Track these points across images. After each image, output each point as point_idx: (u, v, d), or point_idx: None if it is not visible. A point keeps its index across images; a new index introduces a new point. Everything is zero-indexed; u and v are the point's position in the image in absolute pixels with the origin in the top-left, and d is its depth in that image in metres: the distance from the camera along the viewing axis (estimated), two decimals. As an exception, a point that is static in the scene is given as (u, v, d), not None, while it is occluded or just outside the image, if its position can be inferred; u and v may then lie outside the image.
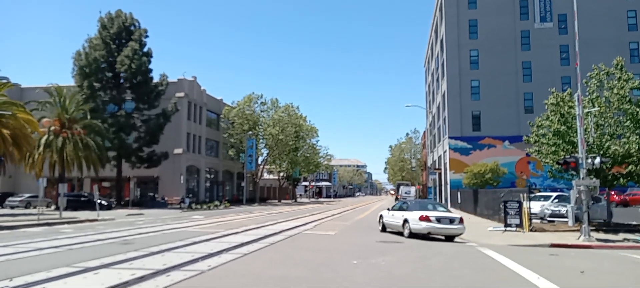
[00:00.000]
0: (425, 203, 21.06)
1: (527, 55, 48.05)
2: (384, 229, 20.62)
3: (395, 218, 19.42)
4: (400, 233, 18.56)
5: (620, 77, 19.90)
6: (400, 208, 19.52)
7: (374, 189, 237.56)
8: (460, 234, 17.74)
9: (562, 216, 21.56)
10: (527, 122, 24.66)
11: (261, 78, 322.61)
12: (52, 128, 36.57)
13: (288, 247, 14.85)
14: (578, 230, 17.37)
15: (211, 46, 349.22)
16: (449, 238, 17.63)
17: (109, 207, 38.48)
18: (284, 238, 17.23)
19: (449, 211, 19.97)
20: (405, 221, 18.06)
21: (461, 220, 17.77)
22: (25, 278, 9.10)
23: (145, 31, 46.55)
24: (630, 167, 19.51)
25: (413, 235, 17.58)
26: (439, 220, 17.23)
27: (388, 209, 21.09)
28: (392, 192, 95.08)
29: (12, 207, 39.95)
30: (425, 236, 17.37)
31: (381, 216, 21.32)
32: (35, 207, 36.61)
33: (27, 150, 32.01)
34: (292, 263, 11.53)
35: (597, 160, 17.29)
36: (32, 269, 10.02)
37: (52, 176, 37.67)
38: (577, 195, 16.73)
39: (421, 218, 17.32)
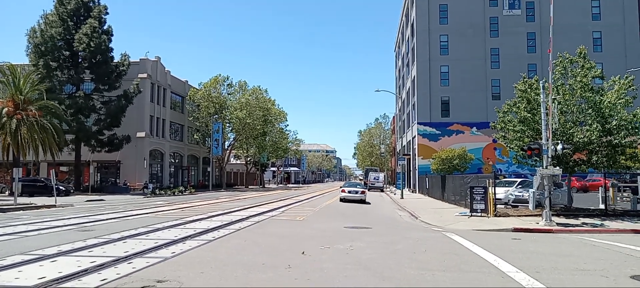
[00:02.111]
0: (353, 183, 40.14)
1: (495, 42, 48.87)
2: (341, 200, 32.15)
3: (342, 192, 32.85)
4: (342, 200, 32.01)
5: (583, 66, 20.33)
6: (344, 186, 34.59)
7: (343, 175, 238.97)
8: (362, 200, 31.69)
9: (526, 201, 22.07)
10: (494, 108, 24.98)
11: (228, 60, 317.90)
12: (5, 109, 34.63)
13: (255, 233, 14.57)
14: (540, 215, 17.78)
15: (175, 26, 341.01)
16: (358, 201, 31.41)
17: (67, 193, 37.11)
18: (251, 225, 16.93)
19: (358, 188, 33.21)
20: (342, 191, 32.65)
21: (363, 193, 32.35)
22: (-24, 266, 8.59)
23: (105, 8, 44.61)
24: (591, 155, 20.07)
25: (342, 199, 32.00)
26: (350, 192, 32.15)
27: (341, 188, 34.83)
28: (361, 178, 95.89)
29: (-38, 192, 37.99)
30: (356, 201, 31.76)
31: (341, 192, 33.11)
32: (-12, 192, 34.91)
33: (-22, 132, 30.33)
34: (259, 249, 11.28)
35: (559, 147, 17.66)
36: (-18, 257, 9.48)
37: (5, 160, 35.89)
38: (540, 181, 17.09)
39: (342, 191, 32.80)
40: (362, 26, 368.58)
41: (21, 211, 22.97)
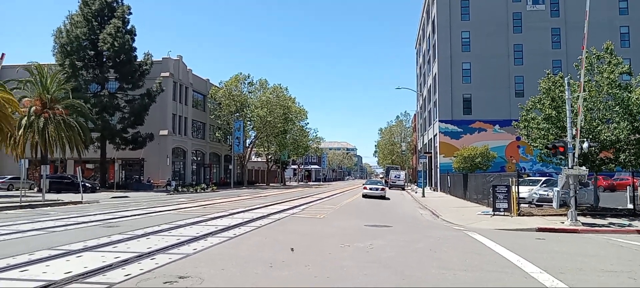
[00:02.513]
0: (374, 181, 42.46)
1: (518, 38, 47.99)
2: (363, 196, 34.95)
3: (364, 189, 35.96)
4: (364, 196, 34.81)
5: (610, 61, 19.79)
6: (366, 184, 37.88)
7: (364, 173, 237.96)
8: (382, 196, 34.58)
9: (550, 201, 21.60)
10: (518, 105, 24.53)
11: (249, 59, 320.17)
12: (33, 108, 35.63)
13: (275, 230, 14.66)
14: (565, 215, 17.41)
15: (197, 26, 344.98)
16: (379, 197, 34.25)
17: (93, 190, 37.98)
18: (272, 222, 17.04)
19: (379, 186, 36.38)
20: (364, 188, 35.81)
21: (383, 189, 35.63)
22: (7, 260, 8.93)
23: (129, 8, 45.40)
24: (619, 154, 19.53)
25: (364, 196, 34.80)
26: (371, 188, 35.07)
27: (363, 185, 38.25)
28: (382, 176, 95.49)
29: (-7, 189, 39.23)
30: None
31: (363, 188, 36.22)
32: (17, 189, 35.97)
33: (8, 130, 31.24)
34: (279, 247, 11.34)
35: (585, 144, 17.25)
36: (14, 252, 9.85)
37: (34, 157, 36.91)
38: (565, 180, 16.72)
39: (364, 188, 35.90)
40: (383, 23, 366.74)
41: (49, 207, 23.60)
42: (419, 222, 18.67)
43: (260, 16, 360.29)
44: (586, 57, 20.72)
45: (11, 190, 38.80)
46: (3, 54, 22.01)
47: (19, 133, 33.90)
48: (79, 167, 33.11)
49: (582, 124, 18.48)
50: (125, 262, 8.96)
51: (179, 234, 13.04)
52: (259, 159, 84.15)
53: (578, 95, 17.46)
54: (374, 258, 10.01)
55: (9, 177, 42.01)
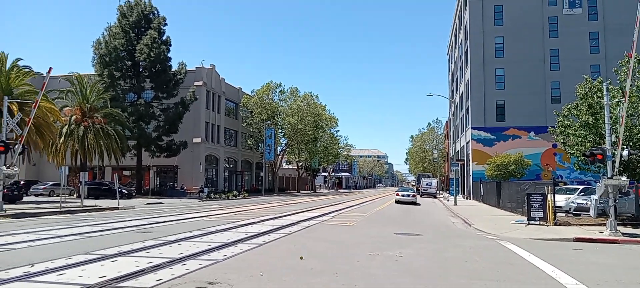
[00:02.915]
0: (406, 188, 48.09)
1: (555, 43, 46.71)
2: (396, 202, 38.59)
3: (396, 195, 40.20)
4: (397, 201, 38.64)
5: (651, 66, 19.02)
6: (399, 191, 42.63)
7: (395, 180, 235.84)
8: (413, 202, 38.08)
9: (588, 210, 20.86)
10: (553, 112, 23.86)
11: (280, 67, 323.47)
12: (74, 117, 37.11)
13: (305, 238, 14.70)
14: (604, 224, 16.76)
15: (230, 35, 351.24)
16: (410, 203, 37.60)
17: (129, 196, 39.02)
18: (301, 229, 17.10)
19: (410, 192, 40.67)
20: (397, 195, 39.95)
21: (414, 196, 39.44)
22: (46, 264, 9.25)
23: (164, 19, 46.74)
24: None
25: (397, 201, 38.57)
26: (403, 195, 39.04)
27: (396, 192, 43.25)
28: (413, 184, 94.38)
29: (36, 195, 40.83)
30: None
31: (396, 194, 40.91)
32: (58, 195, 37.36)
33: (50, 138, 32.60)
34: (308, 254, 11.35)
35: (625, 152, 16.57)
36: (53, 256, 10.22)
37: (74, 164, 38.34)
38: (603, 190, 16.10)
39: (397, 194, 40.22)
40: (414, 29, 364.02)
41: (87, 213, 24.39)
42: (451, 231, 18.35)
43: (293, 28, 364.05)
44: (627, 61, 19.99)
45: (52, 196, 40.31)
46: (50, 68, 23.28)
47: (60, 141, 35.33)
48: (116, 174, 34.24)
49: (622, 131, 17.78)
50: (157, 267, 9.17)
51: (210, 240, 13.26)
52: (290, 166, 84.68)
53: (618, 101, 16.84)
54: (403, 267, 9.90)
55: (51, 183, 43.66)
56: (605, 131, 16.99)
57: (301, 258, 10.66)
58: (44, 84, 23.49)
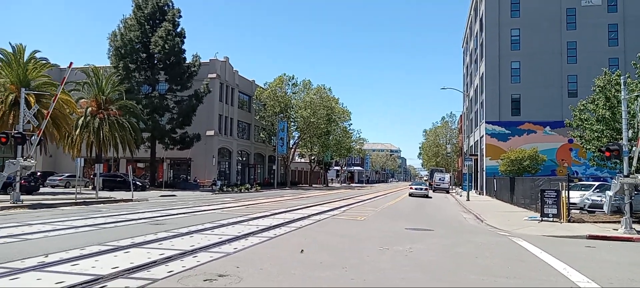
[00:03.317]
0: (418, 182, 52.12)
1: (572, 35, 45.81)
2: (410, 195, 41.84)
3: (410, 188, 43.94)
4: (410, 194, 42.01)
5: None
6: (412, 185, 45.71)
7: (408, 175, 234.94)
8: (425, 195, 41.55)
9: (603, 207, 20.55)
10: (569, 106, 23.48)
11: (293, 59, 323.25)
12: (89, 109, 37.57)
13: (315, 232, 14.73)
14: (619, 222, 16.49)
15: (243, 27, 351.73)
16: (423, 196, 40.92)
17: (143, 188, 39.47)
18: (312, 223, 17.14)
19: (422, 186, 44.03)
20: (410, 188, 43.70)
21: (426, 189, 43.23)
22: (61, 254, 9.43)
23: (179, 11, 46.95)
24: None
25: (410, 194, 41.86)
26: (416, 189, 42.48)
27: (409, 186, 48.00)
28: (426, 178, 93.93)
29: (52, 186, 41.56)
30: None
31: (410, 187, 44.84)
32: (73, 186, 37.95)
33: (66, 130, 33.07)
34: (318, 248, 11.39)
35: (643, 148, 16.25)
36: (67, 246, 10.40)
37: (89, 156, 38.86)
38: (619, 187, 15.82)
39: (410, 188, 44.21)
40: (429, 21, 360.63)
41: (101, 204, 24.77)
42: (462, 227, 18.23)
43: (306, 21, 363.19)
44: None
45: (68, 187, 40.99)
46: (71, 63, 23.78)
47: (76, 132, 35.82)
48: (131, 166, 34.66)
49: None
50: (169, 259, 9.27)
51: (221, 233, 13.36)
52: (302, 160, 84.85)
53: (637, 95, 16.52)
54: (413, 262, 9.87)
55: (66, 174, 44.38)
56: (622, 126, 16.68)
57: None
58: (64, 79, 23.90)
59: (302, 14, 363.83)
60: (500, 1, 47.54)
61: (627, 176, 15.68)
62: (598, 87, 20.28)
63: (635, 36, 43.25)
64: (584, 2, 45.90)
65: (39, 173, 39.69)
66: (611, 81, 19.80)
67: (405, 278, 8.34)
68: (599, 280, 8.44)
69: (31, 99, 28.06)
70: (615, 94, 19.14)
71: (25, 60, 31.82)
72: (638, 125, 15.98)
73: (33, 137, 22.60)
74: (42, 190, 33.88)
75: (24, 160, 21.90)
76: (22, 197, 22.46)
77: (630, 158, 16.03)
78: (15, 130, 23.30)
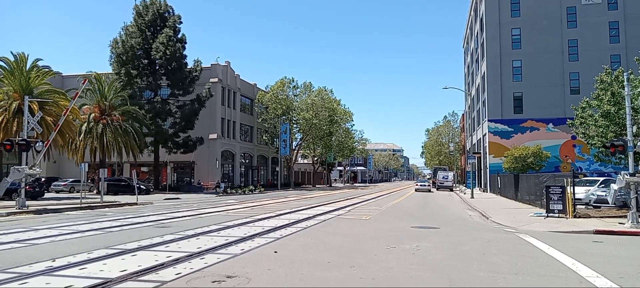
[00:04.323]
0: (423, 180, 74.35)
1: (573, 33, 45.73)
2: (415, 190, 47.44)
3: (416, 185, 56.92)
4: (416, 190, 51.17)
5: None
6: (417, 182, 64.44)
7: (411, 174, 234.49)
8: (428, 190, 54.09)
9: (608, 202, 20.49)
10: (571, 104, 23.45)
11: (295, 62, 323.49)
12: (92, 115, 37.69)
13: (321, 231, 14.73)
14: (625, 216, 16.45)
15: (244, 31, 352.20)
16: (426, 191, 52.57)
17: (147, 192, 39.55)
18: (317, 223, 17.14)
19: (426, 184, 58.67)
20: (416, 185, 59.94)
21: (429, 186, 59.09)
22: (68, 258, 9.46)
23: (179, 17, 47.11)
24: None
25: (416, 190, 52.88)
26: (421, 186, 56.14)
27: (415, 183, 65.57)
28: (429, 177, 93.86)
29: (57, 191, 41.63)
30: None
31: (416, 184, 56.10)
32: (78, 191, 38.06)
33: (69, 136, 33.17)
34: (325, 248, 11.39)
35: (647, 143, 16.22)
36: (74, 250, 10.42)
37: (93, 161, 38.95)
38: (624, 184, 15.77)
39: (416, 185, 60.24)
40: (430, 22, 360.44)
41: (107, 208, 24.82)
42: (468, 224, 18.20)
43: (306, 22, 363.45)
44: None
45: (72, 192, 41.06)
46: (85, 79, 24.35)
47: (80, 138, 35.94)
48: (135, 170, 34.64)
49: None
50: (176, 261, 9.28)
51: (227, 235, 13.37)
52: (305, 161, 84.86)
53: (639, 91, 16.49)
54: (420, 260, 9.86)
55: (71, 180, 44.47)
56: (626, 122, 16.65)
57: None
58: (77, 94, 24.55)
59: (302, 18, 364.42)
60: (500, 1, 47.49)
61: (633, 175, 15.62)
62: (602, 82, 20.23)
63: (637, 33, 43.14)
64: (585, 1, 45.82)
65: (43, 179, 39.80)
66: (618, 77, 19.73)
67: (414, 276, 8.33)
68: (609, 275, 8.41)
69: (34, 106, 28.15)
70: (618, 89, 19.10)
71: (27, 68, 31.95)
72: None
73: (38, 144, 22.68)
74: (46, 195, 33.95)
75: (29, 169, 21.99)
76: (27, 202, 22.53)
77: (635, 154, 15.99)
78: (19, 137, 23.37)
